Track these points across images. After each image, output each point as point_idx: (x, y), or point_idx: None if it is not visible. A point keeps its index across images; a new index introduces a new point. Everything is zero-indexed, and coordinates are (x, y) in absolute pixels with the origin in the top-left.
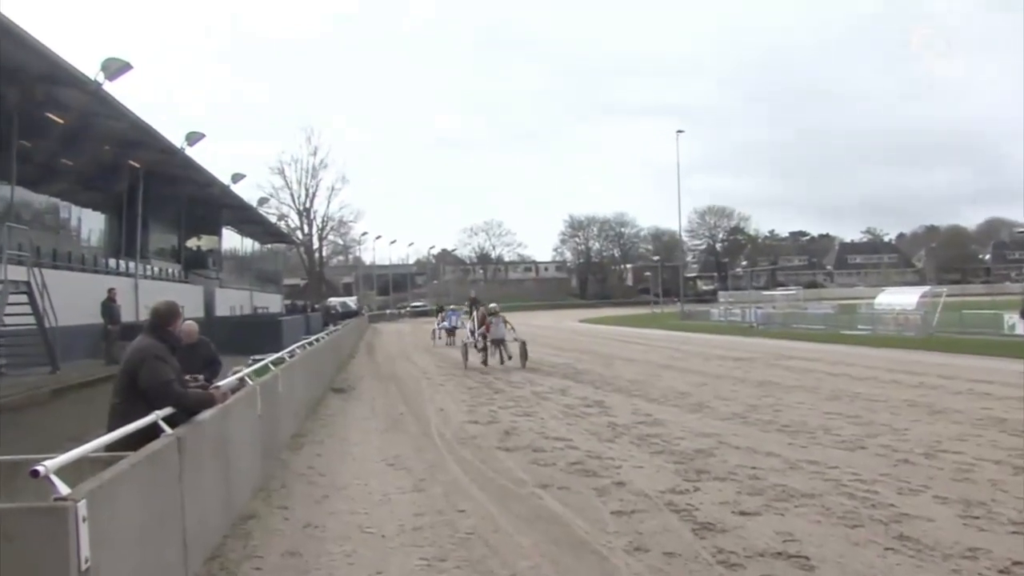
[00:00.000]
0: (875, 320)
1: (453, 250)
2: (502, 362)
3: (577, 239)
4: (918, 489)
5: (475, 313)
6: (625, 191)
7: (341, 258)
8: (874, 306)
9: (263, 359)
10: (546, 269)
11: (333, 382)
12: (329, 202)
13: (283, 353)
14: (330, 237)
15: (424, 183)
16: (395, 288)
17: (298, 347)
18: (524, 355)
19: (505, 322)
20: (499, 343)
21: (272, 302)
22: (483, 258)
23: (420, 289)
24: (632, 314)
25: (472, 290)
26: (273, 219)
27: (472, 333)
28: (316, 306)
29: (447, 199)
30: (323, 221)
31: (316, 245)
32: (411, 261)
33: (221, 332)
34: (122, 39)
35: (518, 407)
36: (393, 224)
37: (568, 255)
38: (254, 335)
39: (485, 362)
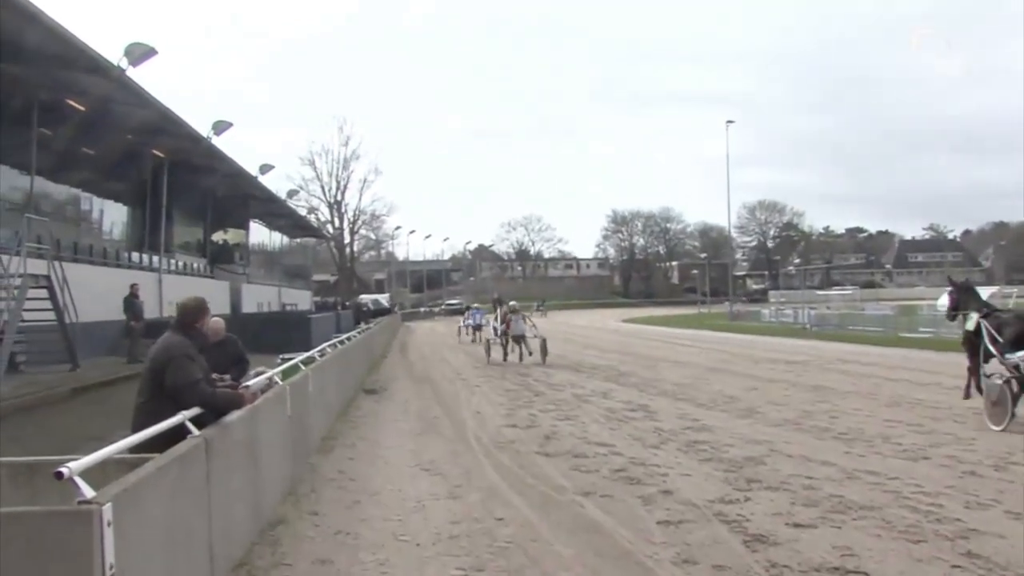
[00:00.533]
0: (938, 322)
1: (490, 246)
2: (521, 358)
3: (620, 235)
4: (987, 503)
5: (498, 311)
6: (671, 185)
7: (373, 253)
8: (936, 307)
9: (292, 358)
10: (587, 266)
11: (365, 383)
12: (361, 195)
13: (313, 352)
14: (362, 231)
15: (460, 177)
16: (429, 285)
17: (328, 346)
18: (544, 351)
19: (525, 319)
20: (519, 339)
21: (301, 299)
22: (522, 254)
23: (456, 286)
24: (678, 314)
25: (495, 291)
26: (303, 212)
27: (495, 330)
28: (347, 303)
29: (484, 193)
30: (355, 215)
31: (347, 240)
32: (446, 257)
33: (248, 329)
34: (146, 25)
35: (558, 410)
36: (428, 218)
37: (611, 252)
38: (282, 333)
39: (505, 357)
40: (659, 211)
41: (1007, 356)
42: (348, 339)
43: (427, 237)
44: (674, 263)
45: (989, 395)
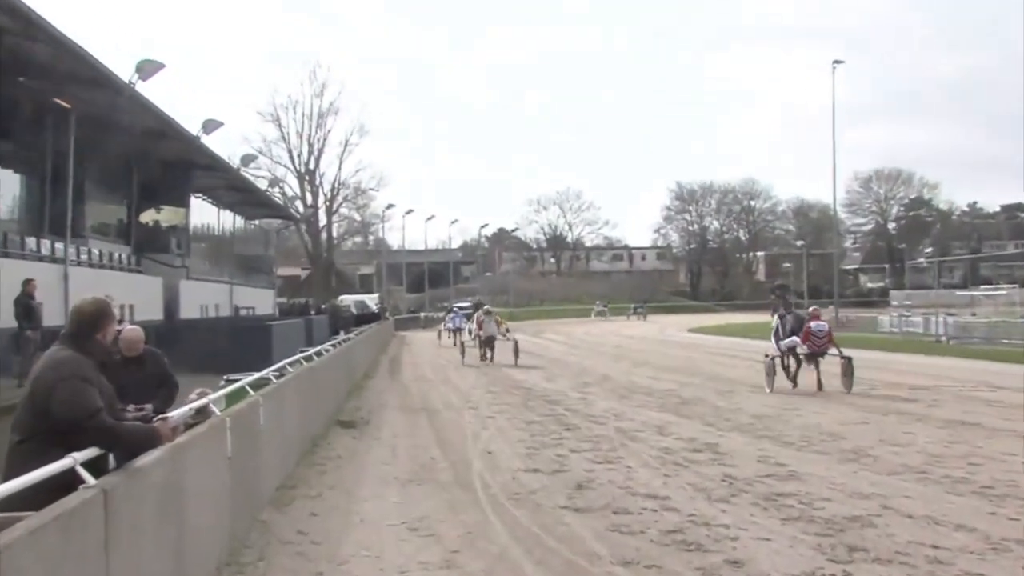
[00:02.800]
0: None
1: (513, 230)
2: (484, 358)
3: (687, 216)
4: None
5: (476, 315)
6: (756, 150)
7: (357, 240)
8: None
9: (241, 379)
10: (643, 257)
11: (341, 412)
12: (341, 162)
13: (270, 371)
14: (342, 211)
15: (474, 140)
16: (432, 282)
17: (293, 363)
18: (516, 353)
19: (498, 323)
20: (490, 341)
21: (261, 300)
22: (555, 242)
23: (467, 284)
24: (764, 321)
25: (476, 296)
26: (264, 185)
27: (470, 332)
28: (322, 306)
29: (504, 163)
30: (333, 188)
31: (323, 222)
32: (455, 245)
33: (187, 342)
34: None
35: (596, 450)
36: (430, 195)
37: (674, 238)
38: (234, 346)
39: (483, 358)
40: (739, 184)
41: None
42: (320, 354)
43: (429, 219)
44: (759, 253)
45: None
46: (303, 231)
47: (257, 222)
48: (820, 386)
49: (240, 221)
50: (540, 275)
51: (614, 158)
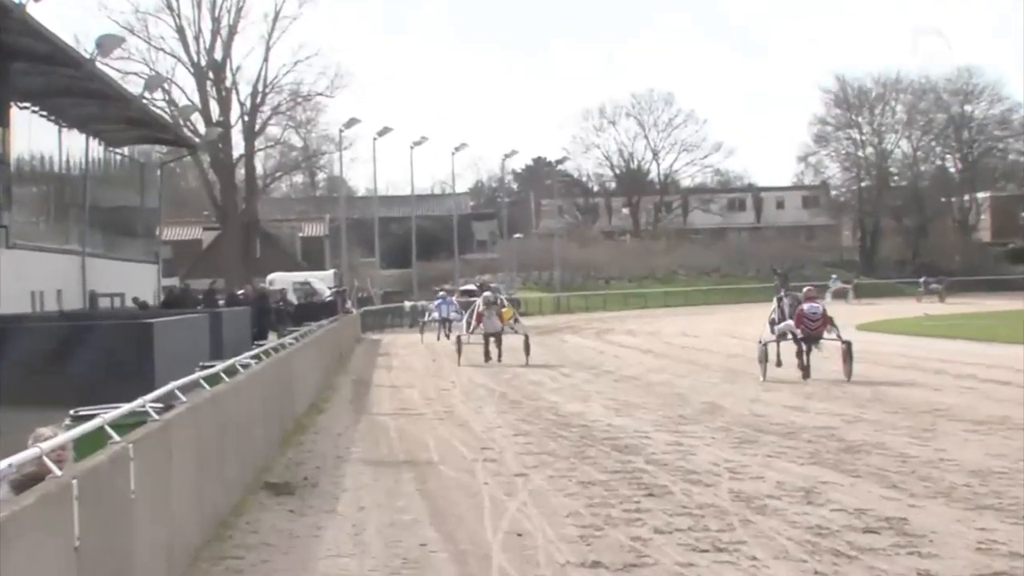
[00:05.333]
0: None
1: (559, 161)
2: (488, 358)
3: (854, 133)
4: None
5: (475, 304)
6: (972, 25)
7: (298, 181)
8: None
9: (99, 415)
10: (779, 205)
11: (271, 469)
12: (269, 49)
13: (148, 402)
14: (272, 131)
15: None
16: (426, 250)
17: (189, 388)
18: (526, 349)
19: (501, 316)
20: (494, 337)
21: (134, 282)
22: (630, 179)
23: (483, 255)
24: (995, 310)
25: (488, 277)
26: (137, 89)
27: (467, 326)
28: (240, 291)
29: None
30: (255, 93)
31: (240, 150)
32: (462, 188)
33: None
34: None
35: (698, 531)
36: (418, 105)
37: (832, 172)
38: (88, 361)
39: (487, 358)
40: (945, 80)
41: None
42: (235, 371)
43: (417, 144)
44: (984, 194)
45: None
46: (205, 166)
47: (127, 151)
48: (807, 373)
49: (99, 149)
50: (604, 236)
51: (725, 42)
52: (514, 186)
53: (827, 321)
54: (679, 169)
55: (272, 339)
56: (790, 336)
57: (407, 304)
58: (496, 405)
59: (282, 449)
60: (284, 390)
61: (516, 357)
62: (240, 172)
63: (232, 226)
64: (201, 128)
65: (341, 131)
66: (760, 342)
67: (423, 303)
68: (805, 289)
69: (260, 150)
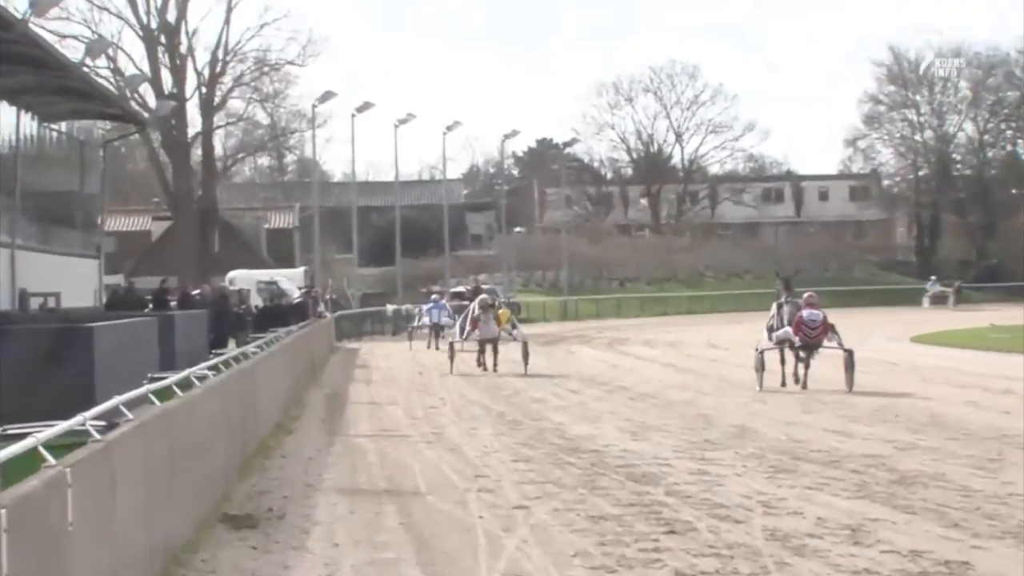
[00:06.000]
0: None
1: (567, 144)
2: (483, 366)
3: (909, 113)
4: None
5: (470, 307)
6: None
7: (264, 163)
8: None
9: (30, 434)
10: (823, 197)
11: (230, 499)
12: (230, 12)
13: (88, 419)
14: (233, 105)
15: None
16: (412, 246)
17: (135, 403)
18: (525, 357)
19: (498, 320)
20: (490, 344)
21: (72, 279)
22: (649, 165)
23: (478, 252)
24: None
25: (483, 277)
26: (77, 55)
27: (461, 331)
28: (195, 292)
29: (544, 26)
30: (214, 61)
31: (196, 127)
32: (453, 174)
33: None
34: None
35: (724, 573)
36: (404, 77)
37: (886, 159)
38: (16, 372)
39: (480, 365)
40: (1018, 50)
41: None
42: (190, 383)
43: (403, 121)
44: None
45: None
46: (156, 145)
47: (64, 127)
48: (798, 380)
49: (32, 125)
50: (619, 231)
51: (758, 4)
52: (515, 172)
53: (827, 328)
54: (706, 154)
55: (232, 347)
56: (787, 344)
57: (389, 308)
58: (493, 426)
59: (244, 475)
60: (246, 407)
61: (514, 367)
62: (196, 153)
63: (186, 216)
64: (151, 101)
65: (314, 106)
66: (757, 350)
67: (408, 307)
68: (806, 295)
69: (220, 127)
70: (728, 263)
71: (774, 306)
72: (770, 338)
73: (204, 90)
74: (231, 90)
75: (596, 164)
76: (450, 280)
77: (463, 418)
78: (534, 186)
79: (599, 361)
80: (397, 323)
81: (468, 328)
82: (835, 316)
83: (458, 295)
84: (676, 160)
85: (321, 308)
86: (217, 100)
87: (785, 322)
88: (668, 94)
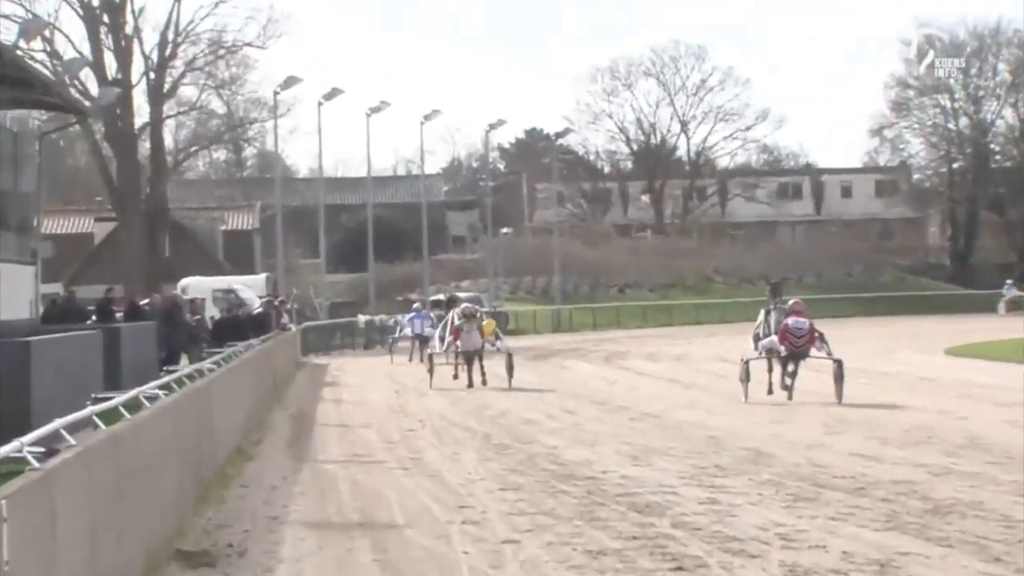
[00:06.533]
0: None
1: (559, 135)
2: (471, 383)
3: (941, 101)
4: None
5: (450, 315)
6: None
7: (220, 156)
8: None
9: None
10: (846, 193)
11: (184, 534)
12: None
13: (26, 445)
14: (186, 92)
15: None
16: (386, 250)
17: (77, 427)
18: (509, 370)
19: (482, 330)
20: (474, 357)
21: (7, 289)
22: (651, 157)
23: (461, 256)
24: None
25: (464, 285)
26: (9, 38)
27: (441, 340)
28: (144, 301)
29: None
30: (164, 43)
31: (144, 116)
32: (432, 168)
33: None
34: None
35: None
36: (376, 62)
37: (917, 150)
38: None
39: (456, 377)
40: None
41: None
42: (139, 404)
43: (375, 110)
44: None
45: None
46: (99, 138)
47: None
48: (786, 387)
49: None
50: (618, 232)
51: None
52: (501, 166)
53: (815, 337)
54: (715, 144)
55: (185, 364)
56: (774, 354)
57: (362, 319)
58: (478, 450)
59: (200, 507)
60: (202, 430)
61: (499, 382)
62: (144, 146)
63: (133, 216)
64: (93, 89)
65: (276, 93)
66: (742, 360)
67: (383, 317)
68: (791, 301)
69: (170, 117)
70: (740, 267)
71: (761, 313)
72: (756, 347)
73: (152, 76)
74: (182, 75)
75: (592, 157)
76: (429, 287)
77: (445, 441)
78: (523, 182)
79: (596, 377)
80: (370, 336)
81: (449, 339)
82: (860, 325)
83: (437, 304)
84: (681, 152)
85: (285, 319)
86: (167, 87)
87: (772, 330)
88: (672, 78)
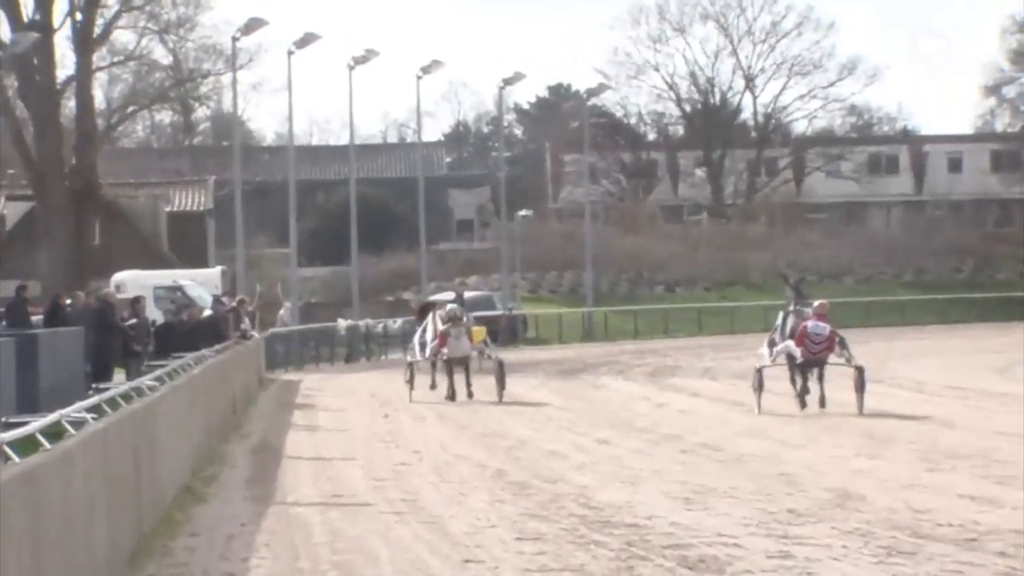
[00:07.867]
0: None
1: (590, 93)
2: (452, 395)
3: None
4: None
5: (429, 320)
6: None
7: (165, 120)
8: None
9: None
10: (955, 167)
11: None
12: None
13: None
14: (120, 40)
15: None
16: (371, 236)
17: None
18: (501, 381)
19: (470, 333)
20: (461, 364)
21: None
22: (708, 122)
23: (469, 244)
24: None
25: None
26: None
27: (423, 347)
28: (67, 301)
29: None
30: None
31: (68, 70)
32: (432, 135)
33: None
34: None
35: None
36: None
37: None
38: None
39: (436, 387)
40: None
41: None
42: (60, 433)
43: (360, 61)
44: None
45: None
46: (12, 95)
47: None
48: (797, 397)
49: None
50: (666, 215)
51: None
52: (518, 132)
53: (835, 343)
54: (788, 105)
55: (121, 380)
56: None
57: (342, 324)
58: (488, 490)
59: (138, 562)
60: (141, 464)
61: (485, 394)
62: (69, 106)
63: (55, 194)
64: (5, 34)
65: (236, 40)
66: (757, 368)
67: (369, 322)
68: (816, 304)
69: (101, 69)
70: (821, 259)
71: (780, 315)
72: (771, 353)
73: (79, 17)
74: (117, 17)
75: (633, 120)
76: (427, 285)
77: (447, 479)
78: (545, 152)
79: (639, 399)
80: (353, 345)
81: (435, 345)
82: (972, 334)
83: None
84: (747, 115)
85: (245, 324)
86: (98, 31)
87: (787, 334)
88: (735, 21)
